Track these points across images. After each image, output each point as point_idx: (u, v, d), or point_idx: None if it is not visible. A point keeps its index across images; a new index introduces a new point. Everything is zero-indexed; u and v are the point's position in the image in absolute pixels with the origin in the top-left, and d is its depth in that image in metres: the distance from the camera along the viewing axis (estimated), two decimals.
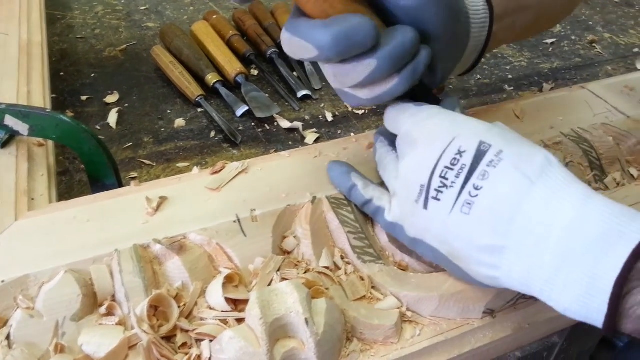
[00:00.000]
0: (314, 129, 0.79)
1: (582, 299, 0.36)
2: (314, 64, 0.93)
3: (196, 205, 0.51)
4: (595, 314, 0.35)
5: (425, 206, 0.42)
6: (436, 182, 0.41)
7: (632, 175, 0.62)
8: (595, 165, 0.61)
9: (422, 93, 0.50)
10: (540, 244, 0.37)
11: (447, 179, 0.40)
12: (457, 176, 0.40)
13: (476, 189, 0.39)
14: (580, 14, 1.17)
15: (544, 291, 0.38)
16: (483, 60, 0.97)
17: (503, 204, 0.38)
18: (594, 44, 1.06)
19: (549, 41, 1.06)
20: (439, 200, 0.41)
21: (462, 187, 0.40)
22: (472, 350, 0.47)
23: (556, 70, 0.97)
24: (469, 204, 0.39)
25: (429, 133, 0.44)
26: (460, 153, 0.40)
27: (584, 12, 1.18)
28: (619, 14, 1.19)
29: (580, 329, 0.77)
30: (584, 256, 0.35)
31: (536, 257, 0.37)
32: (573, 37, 1.08)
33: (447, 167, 0.41)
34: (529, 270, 0.38)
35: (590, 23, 1.14)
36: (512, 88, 0.91)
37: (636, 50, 1.05)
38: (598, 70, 0.98)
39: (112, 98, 0.83)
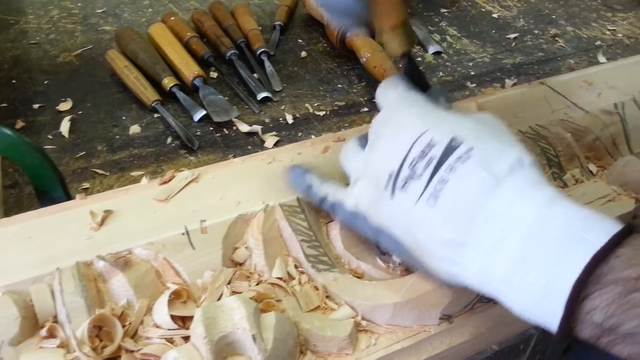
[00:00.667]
0: (274, 132, 0.77)
1: (538, 301, 0.35)
2: (275, 64, 0.91)
3: (143, 218, 0.49)
4: (550, 316, 0.35)
5: (392, 195, 0.42)
6: (405, 172, 0.41)
7: (590, 172, 0.62)
8: (553, 162, 0.60)
9: (413, 74, 0.50)
10: (500, 244, 0.37)
11: (415, 170, 0.41)
12: (426, 167, 0.40)
13: (443, 182, 0.39)
14: (544, 7, 1.17)
15: (502, 291, 0.38)
16: (445, 56, 0.97)
17: (467, 200, 0.38)
18: (556, 38, 1.06)
19: (512, 36, 1.06)
20: (406, 190, 0.41)
21: (430, 179, 0.40)
22: (429, 357, 0.46)
23: (519, 65, 0.97)
24: (435, 196, 0.39)
25: (404, 121, 0.44)
26: (430, 145, 0.41)
27: (547, 5, 1.18)
28: (582, 7, 1.19)
29: None
30: (543, 258, 0.35)
31: (495, 256, 0.37)
32: (536, 31, 1.08)
33: (416, 158, 0.41)
34: (487, 268, 0.37)
35: (554, 16, 1.14)
36: (474, 85, 0.90)
37: (598, 43, 1.05)
38: (560, 64, 0.98)
39: (65, 105, 0.80)
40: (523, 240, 0.36)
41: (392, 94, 0.48)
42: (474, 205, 0.38)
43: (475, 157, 0.39)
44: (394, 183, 0.42)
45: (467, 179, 0.39)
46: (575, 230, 0.35)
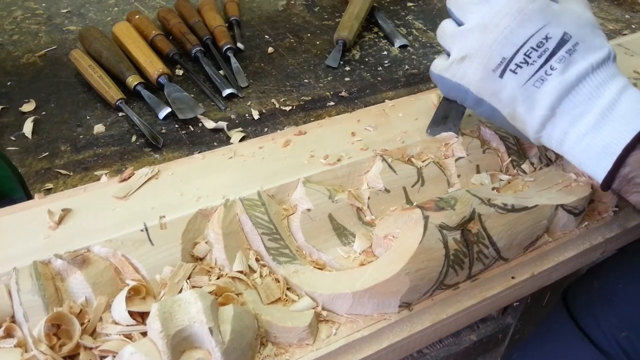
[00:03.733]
0: (240, 128, 0.77)
1: (597, 157, 0.47)
2: (241, 61, 0.91)
3: (102, 216, 0.49)
4: (602, 169, 0.47)
5: (502, 76, 0.50)
6: (519, 57, 0.49)
7: (549, 159, 0.63)
8: (512, 150, 0.61)
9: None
10: (580, 116, 0.48)
11: (529, 57, 0.49)
12: (540, 57, 0.48)
13: (552, 69, 0.48)
14: None
15: (572, 150, 0.49)
16: (411, 50, 0.98)
17: (566, 84, 0.48)
18: None
19: None
20: (516, 73, 0.49)
21: (541, 66, 0.48)
22: (390, 345, 0.47)
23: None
24: (542, 79, 0.48)
25: (525, 13, 0.49)
26: (547, 38, 0.48)
27: None
28: None
29: (533, 308, 0.78)
30: (608, 129, 0.47)
31: (575, 125, 0.48)
32: None
33: (533, 48, 0.48)
34: (566, 134, 0.49)
35: None
36: None
37: None
38: None
39: (28, 106, 0.79)
40: (597, 117, 0.47)
41: None
42: (570, 87, 0.48)
43: (580, 50, 0.48)
44: (505, 66, 0.49)
45: (571, 68, 0.48)
46: (634, 115, 0.46)
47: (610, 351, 0.59)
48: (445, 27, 0.55)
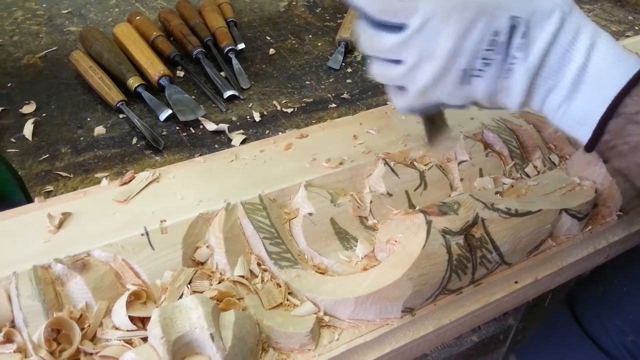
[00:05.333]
0: (241, 130, 0.77)
1: (579, 121, 0.46)
2: (242, 62, 0.91)
3: (102, 220, 0.49)
4: (587, 131, 0.46)
5: (470, 82, 0.48)
6: (478, 64, 0.47)
7: (552, 162, 0.63)
8: (515, 154, 0.61)
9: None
10: (555, 87, 0.46)
11: (488, 59, 0.46)
12: (498, 53, 0.46)
13: (514, 58, 0.46)
14: None
15: (554, 115, 0.47)
16: None
17: (531, 66, 0.46)
18: None
19: None
20: (481, 77, 0.47)
21: (503, 61, 0.46)
22: (392, 350, 0.47)
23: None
24: (509, 70, 0.46)
25: (464, 17, 0.46)
26: (497, 33, 0.45)
27: None
28: None
29: (534, 309, 0.77)
30: (586, 91, 0.45)
31: (552, 94, 0.47)
32: None
33: (487, 50, 0.46)
34: (549, 103, 0.47)
35: None
36: None
37: None
38: None
39: (28, 108, 0.79)
40: (568, 86, 0.45)
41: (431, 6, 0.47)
42: (536, 66, 0.46)
43: (534, 26, 0.45)
44: (469, 74, 0.47)
45: (532, 47, 0.45)
46: (605, 79, 0.45)
47: (617, 354, 0.59)
48: (383, 41, 0.48)
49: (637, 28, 1.10)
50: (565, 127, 0.48)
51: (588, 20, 0.47)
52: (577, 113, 0.46)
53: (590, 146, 0.47)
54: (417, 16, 0.46)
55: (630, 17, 1.14)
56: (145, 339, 0.41)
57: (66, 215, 0.49)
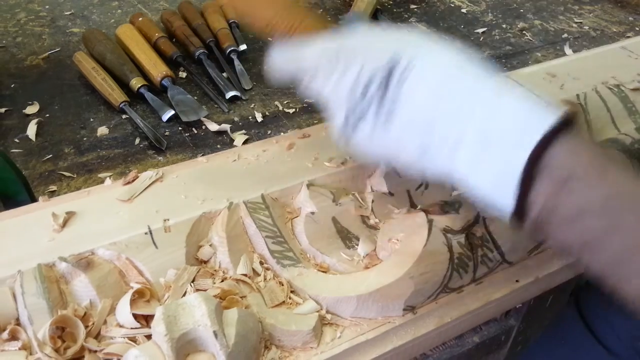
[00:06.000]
0: (243, 131, 0.78)
1: (496, 187, 0.37)
2: (244, 63, 0.91)
3: (106, 219, 0.49)
4: (507, 199, 0.37)
5: (355, 130, 0.42)
6: (357, 106, 0.41)
7: None
8: None
9: None
10: (459, 134, 0.38)
11: (365, 98, 0.41)
12: (375, 93, 0.40)
13: (394, 101, 0.40)
14: (512, 2, 1.19)
15: (466, 181, 0.39)
16: None
17: (419, 110, 0.39)
18: (524, 32, 1.07)
19: (480, 30, 1.07)
20: (365, 119, 0.41)
21: (381, 102, 0.40)
22: (394, 348, 0.47)
23: (487, 59, 0.98)
24: (391, 114, 0.40)
25: (345, 58, 0.43)
26: (374, 72, 0.40)
27: None
28: (550, 0, 1.20)
29: (536, 310, 0.77)
30: (496, 148, 0.37)
31: (457, 144, 0.38)
32: (504, 26, 1.09)
33: (364, 89, 0.41)
34: (451, 158, 0.39)
35: (521, 10, 1.16)
36: None
37: (565, 35, 1.07)
38: (528, 57, 0.99)
39: (32, 109, 0.80)
40: (478, 134, 0.37)
41: (310, 49, 0.46)
42: (427, 111, 0.39)
43: (419, 66, 0.39)
44: (351, 119, 0.42)
45: (415, 90, 0.39)
46: (522, 120, 0.37)
47: (627, 358, 0.59)
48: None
49: (637, 29, 1.10)
50: (482, 193, 0.39)
51: (492, 73, 0.40)
52: (491, 171, 0.38)
53: (518, 213, 0.37)
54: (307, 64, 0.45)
55: (630, 18, 1.14)
56: (149, 337, 0.42)
57: (70, 215, 0.49)
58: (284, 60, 0.47)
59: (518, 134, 0.36)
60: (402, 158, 0.42)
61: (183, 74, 0.89)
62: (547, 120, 0.36)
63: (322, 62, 0.44)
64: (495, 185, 0.38)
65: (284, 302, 0.47)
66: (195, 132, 0.77)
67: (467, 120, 0.38)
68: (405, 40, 0.42)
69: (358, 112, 0.42)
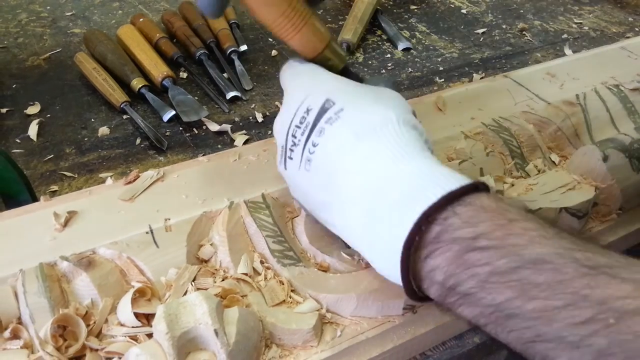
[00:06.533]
0: (244, 131, 0.78)
1: (386, 258, 0.36)
2: (245, 63, 0.92)
3: (107, 218, 0.49)
4: (397, 274, 0.36)
5: (285, 166, 0.43)
6: (289, 141, 0.42)
7: (553, 161, 0.63)
8: (515, 153, 0.62)
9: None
10: (354, 202, 0.38)
11: (295, 137, 0.41)
12: (302, 134, 0.41)
13: (314, 145, 0.40)
14: (512, 2, 1.19)
15: (361, 249, 0.39)
16: (414, 52, 0.98)
17: (330, 160, 0.39)
18: (524, 32, 1.07)
19: (480, 31, 1.07)
20: (292, 158, 0.42)
21: (305, 145, 0.41)
22: (394, 347, 0.47)
23: (487, 60, 0.98)
24: (309, 160, 0.40)
25: (291, 91, 0.44)
26: (307, 111, 0.41)
27: (515, 0, 1.20)
28: (549, 1, 1.21)
29: None
30: (387, 214, 0.36)
31: (350, 214, 0.38)
32: (504, 26, 1.10)
33: (297, 126, 0.41)
34: (346, 227, 0.39)
35: (521, 11, 1.16)
36: (442, 80, 0.91)
37: (565, 36, 1.07)
38: (528, 57, 0.99)
39: (33, 109, 0.80)
40: (372, 196, 0.36)
41: (288, 73, 0.48)
42: (336, 164, 0.39)
43: (343, 118, 0.39)
44: (285, 154, 0.43)
45: (331, 140, 0.39)
46: (417, 187, 0.35)
47: None
48: None
49: (637, 29, 1.10)
50: (376, 266, 0.38)
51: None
52: (378, 247, 0.36)
53: (406, 285, 0.36)
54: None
55: (630, 19, 1.14)
56: (150, 335, 0.42)
57: (72, 214, 0.49)
58: (284, 76, 0.49)
59: (410, 200, 0.35)
60: (308, 205, 0.44)
61: (184, 75, 0.89)
62: (441, 187, 0.34)
63: (284, 88, 0.46)
64: (386, 255, 0.36)
65: (284, 301, 0.47)
66: (196, 132, 0.77)
67: (366, 180, 0.37)
68: (345, 89, 0.42)
69: (288, 149, 0.42)
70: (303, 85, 0.44)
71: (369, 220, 0.37)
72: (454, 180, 0.35)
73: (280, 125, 0.44)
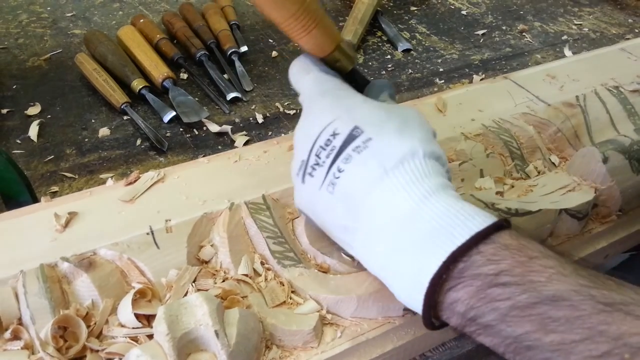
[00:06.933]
0: (244, 132, 0.78)
1: (408, 290, 0.38)
2: (245, 64, 0.92)
3: (108, 219, 0.50)
4: (419, 306, 0.37)
5: (303, 180, 0.44)
6: (312, 159, 0.43)
7: (553, 163, 0.63)
8: (516, 155, 0.62)
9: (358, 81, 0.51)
10: (379, 232, 0.39)
11: (320, 158, 0.42)
12: (327, 156, 0.42)
13: (339, 171, 0.41)
14: (512, 4, 1.19)
15: (383, 277, 0.41)
16: (414, 54, 0.98)
17: (357, 189, 0.40)
18: (524, 33, 1.08)
19: (480, 32, 1.07)
20: (312, 176, 0.43)
21: (329, 168, 0.42)
22: (394, 348, 0.47)
23: (487, 61, 0.98)
24: (333, 184, 0.41)
25: (316, 110, 0.45)
26: (334, 135, 0.42)
27: (515, 1, 1.20)
28: (549, 2, 1.21)
29: None
30: (412, 249, 0.37)
31: (375, 244, 0.40)
32: (504, 27, 1.10)
33: (321, 147, 0.42)
34: (370, 255, 0.41)
35: (521, 12, 1.16)
36: (442, 81, 0.91)
37: (565, 37, 1.07)
38: (528, 59, 1.00)
39: (33, 110, 0.80)
40: (398, 230, 0.38)
41: (307, 79, 0.48)
42: (363, 194, 0.40)
43: (371, 147, 0.41)
44: (304, 170, 0.44)
45: (360, 168, 0.40)
46: (443, 225, 0.37)
47: None
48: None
49: (637, 31, 1.11)
50: (397, 295, 0.40)
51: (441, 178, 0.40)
52: (402, 281, 0.38)
53: (426, 317, 0.38)
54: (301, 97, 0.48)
55: (630, 20, 1.14)
56: (150, 336, 0.42)
57: (72, 215, 0.49)
58: (293, 72, 0.49)
59: (438, 237, 0.36)
60: (320, 222, 0.45)
61: (184, 76, 0.89)
62: (468, 227, 0.36)
63: (306, 98, 0.47)
64: (409, 288, 0.38)
65: (284, 302, 0.47)
66: (196, 133, 0.77)
67: (392, 214, 0.39)
68: (374, 118, 0.42)
69: (309, 166, 0.43)
70: (332, 107, 0.44)
71: (394, 252, 0.38)
72: (480, 219, 0.37)
73: (303, 137, 0.44)
